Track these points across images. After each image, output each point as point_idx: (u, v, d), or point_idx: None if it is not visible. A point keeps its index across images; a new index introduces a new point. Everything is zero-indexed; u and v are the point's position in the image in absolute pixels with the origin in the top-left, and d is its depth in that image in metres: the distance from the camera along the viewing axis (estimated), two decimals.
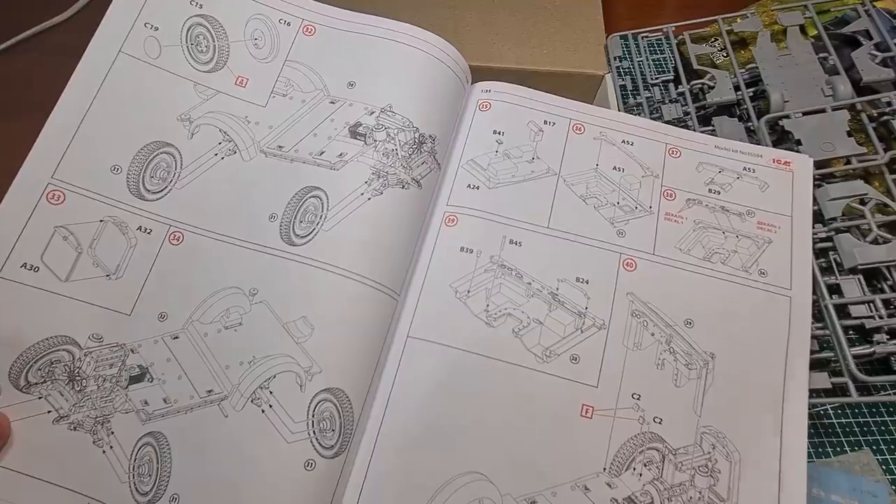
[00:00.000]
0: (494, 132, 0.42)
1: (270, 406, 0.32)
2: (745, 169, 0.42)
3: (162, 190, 0.36)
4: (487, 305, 0.37)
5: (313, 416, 0.32)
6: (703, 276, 0.38)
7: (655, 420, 0.35)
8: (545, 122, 0.43)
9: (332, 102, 0.40)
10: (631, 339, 0.37)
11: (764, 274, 0.38)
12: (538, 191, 0.41)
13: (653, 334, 0.37)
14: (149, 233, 0.35)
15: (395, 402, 0.34)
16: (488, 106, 0.43)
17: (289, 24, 0.41)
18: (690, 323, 0.37)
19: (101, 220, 0.35)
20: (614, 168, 0.42)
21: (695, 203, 0.41)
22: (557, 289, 0.38)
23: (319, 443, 0.32)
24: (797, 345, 0.37)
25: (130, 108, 0.37)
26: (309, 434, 0.32)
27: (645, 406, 0.35)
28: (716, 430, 0.35)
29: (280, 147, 0.38)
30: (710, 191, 0.41)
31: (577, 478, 0.33)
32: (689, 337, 0.37)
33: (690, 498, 0.33)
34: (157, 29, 0.38)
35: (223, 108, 0.38)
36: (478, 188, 0.40)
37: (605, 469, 0.34)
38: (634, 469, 0.34)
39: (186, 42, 0.39)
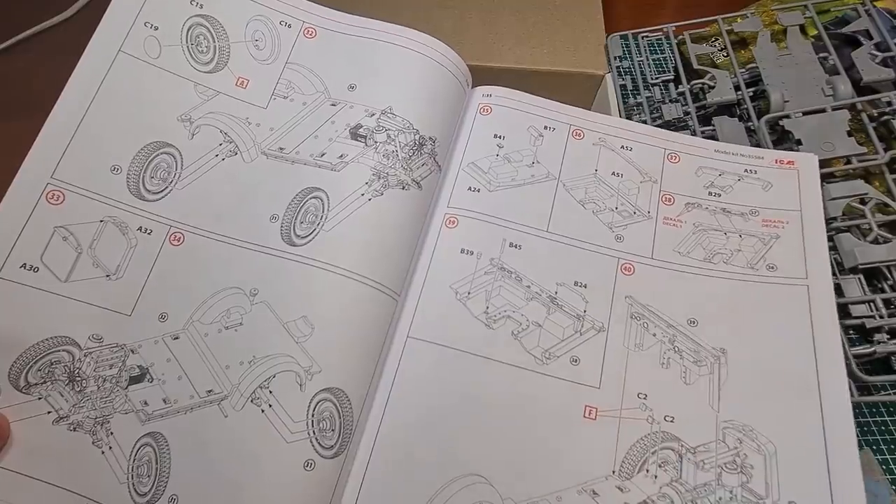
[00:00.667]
0: (495, 136, 0.42)
1: (270, 406, 0.32)
2: (746, 171, 0.42)
3: (162, 190, 0.36)
4: (487, 307, 0.37)
5: (313, 415, 0.32)
6: (704, 276, 0.38)
7: (667, 419, 0.34)
8: (545, 127, 0.43)
9: (333, 104, 0.40)
10: (632, 341, 0.37)
11: (773, 268, 0.38)
12: (538, 195, 0.41)
13: (654, 335, 0.37)
14: (149, 233, 0.35)
15: (394, 403, 0.34)
16: (489, 110, 0.43)
17: (290, 25, 0.41)
18: (694, 322, 0.37)
19: (101, 221, 0.35)
20: (613, 173, 0.42)
21: (694, 207, 0.41)
22: (556, 292, 0.38)
23: (319, 443, 0.32)
24: (824, 329, 0.36)
25: (130, 107, 0.37)
26: (308, 434, 0.32)
27: (653, 405, 0.35)
28: (740, 424, 0.34)
29: (281, 149, 0.38)
30: (709, 194, 0.41)
31: (584, 482, 0.33)
32: (694, 335, 0.37)
33: (720, 499, 0.32)
34: (157, 28, 0.38)
35: (224, 109, 0.38)
36: (478, 191, 0.40)
37: (614, 472, 0.33)
38: (648, 471, 0.33)
39: (187, 42, 0.38)
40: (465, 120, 0.43)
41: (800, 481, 0.32)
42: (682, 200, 0.41)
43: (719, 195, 0.41)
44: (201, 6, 0.39)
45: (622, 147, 0.43)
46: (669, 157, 0.43)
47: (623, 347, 0.36)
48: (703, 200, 0.41)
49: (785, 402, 0.34)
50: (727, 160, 0.42)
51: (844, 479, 0.32)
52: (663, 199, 0.41)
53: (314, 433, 0.32)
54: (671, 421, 0.34)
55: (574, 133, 0.43)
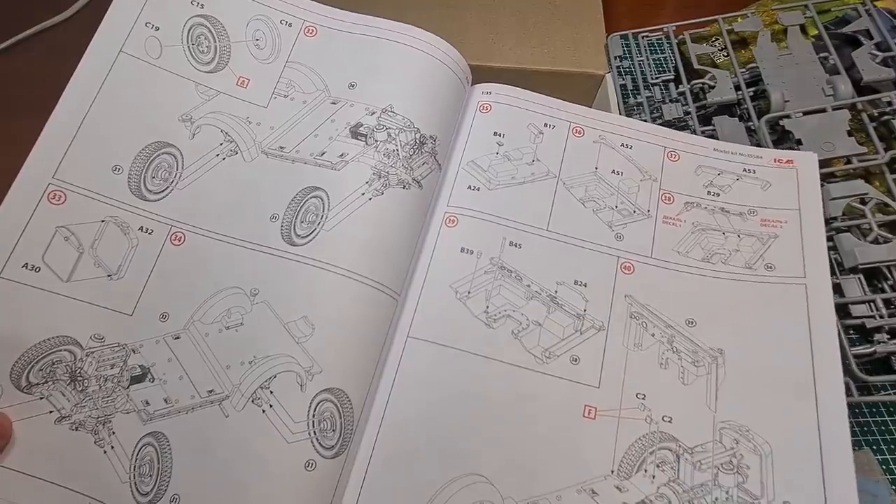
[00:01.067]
0: (495, 134, 0.42)
1: (271, 406, 0.32)
2: (744, 170, 0.42)
3: (163, 190, 0.36)
4: (487, 307, 0.37)
5: (314, 416, 0.32)
6: (702, 276, 0.38)
7: (665, 419, 0.34)
8: (545, 124, 0.43)
9: (334, 103, 0.40)
10: (631, 340, 0.37)
11: (771, 268, 0.38)
12: (538, 193, 0.41)
13: (653, 335, 0.37)
14: (150, 233, 0.35)
15: (395, 403, 0.34)
16: (489, 108, 0.43)
17: (290, 24, 0.41)
18: (692, 322, 0.37)
19: (103, 221, 0.35)
20: (613, 172, 0.42)
21: (693, 206, 0.41)
22: (556, 291, 0.38)
23: (320, 443, 0.32)
24: (821, 329, 0.36)
25: (132, 108, 0.37)
26: (309, 434, 0.32)
27: (651, 405, 0.35)
28: (737, 425, 0.34)
29: (281, 148, 0.38)
30: (708, 193, 0.41)
31: (583, 481, 0.33)
32: (693, 336, 0.37)
33: (716, 499, 0.32)
34: (157, 29, 0.38)
35: (224, 109, 0.38)
36: (478, 189, 0.40)
37: (613, 472, 0.33)
38: (646, 471, 0.33)
39: (187, 42, 0.39)
40: (465, 118, 0.43)
41: (795, 482, 0.33)
42: (682, 199, 0.41)
43: (718, 194, 0.41)
44: (202, 6, 0.39)
45: (622, 145, 0.43)
46: (669, 155, 0.43)
47: (622, 347, 0.36)
48: (703, 200, 0.41)
49: (781, 402, 0.34)
50: (726, 159, 0.42)
51: (838, 480, 0.32)
52: (663, 198, 0.41)
53: (315, 433, 0.32)
54: (669, 421, 0.34)
55: (574, 130, 0.43)
